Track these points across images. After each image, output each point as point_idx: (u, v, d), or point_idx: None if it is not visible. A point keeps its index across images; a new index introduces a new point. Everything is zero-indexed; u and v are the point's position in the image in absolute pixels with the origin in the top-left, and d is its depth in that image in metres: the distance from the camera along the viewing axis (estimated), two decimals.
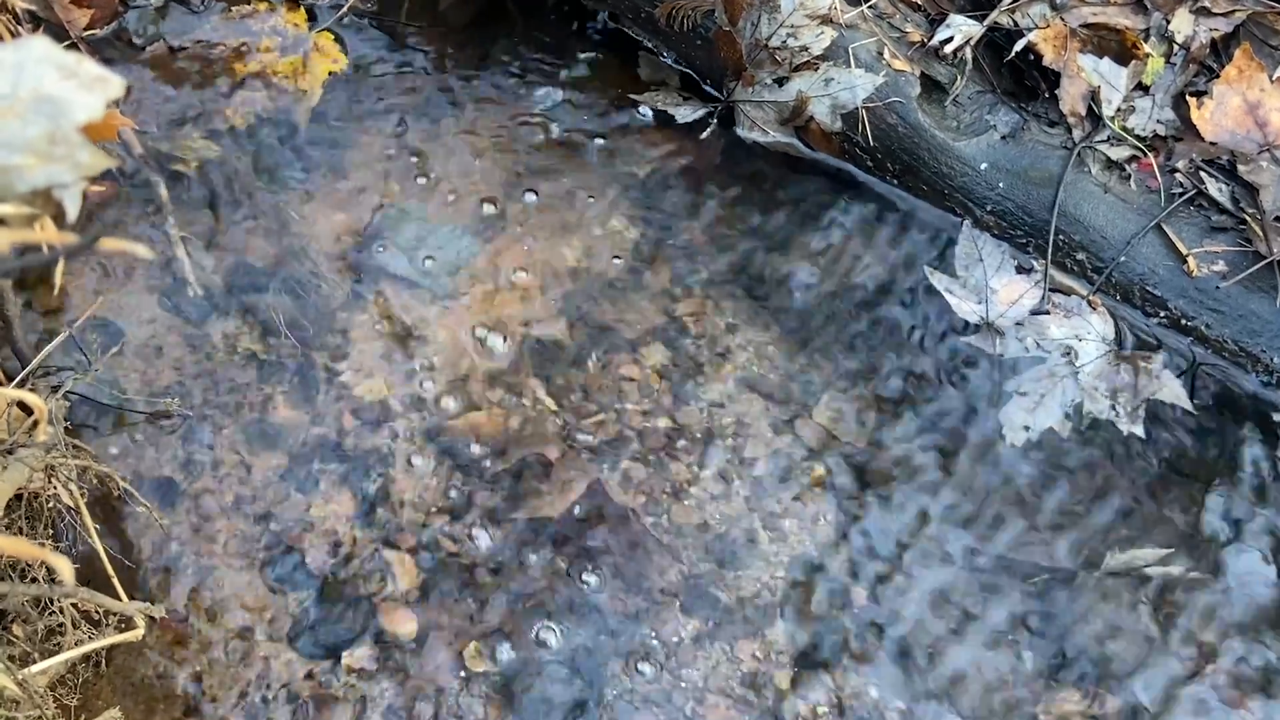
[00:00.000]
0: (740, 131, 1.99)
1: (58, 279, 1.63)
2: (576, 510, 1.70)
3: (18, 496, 1.39)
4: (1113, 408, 1.76)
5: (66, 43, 1.89)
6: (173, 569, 1.62)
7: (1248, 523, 1.73)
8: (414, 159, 1.97)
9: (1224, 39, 1.89)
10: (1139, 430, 1.75)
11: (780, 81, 1.92)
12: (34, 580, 1.29)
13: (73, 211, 0.67)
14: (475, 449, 1.74)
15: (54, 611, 1.34)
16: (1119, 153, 1.84)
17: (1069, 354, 1.80)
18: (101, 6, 1.96)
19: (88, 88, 0.67)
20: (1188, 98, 1.84)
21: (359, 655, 1.59)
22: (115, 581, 1.39)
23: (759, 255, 1.92)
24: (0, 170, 0.65)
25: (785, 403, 1.80)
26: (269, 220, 1.89)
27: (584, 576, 1.65)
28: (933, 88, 1.90)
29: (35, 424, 1.27)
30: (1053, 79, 1.87)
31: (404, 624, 1.62)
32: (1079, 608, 1.66)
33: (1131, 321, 1.84)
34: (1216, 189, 1.80)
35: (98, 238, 0.61)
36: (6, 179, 0.66)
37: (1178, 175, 1.82)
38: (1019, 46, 1.86)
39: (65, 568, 0.57)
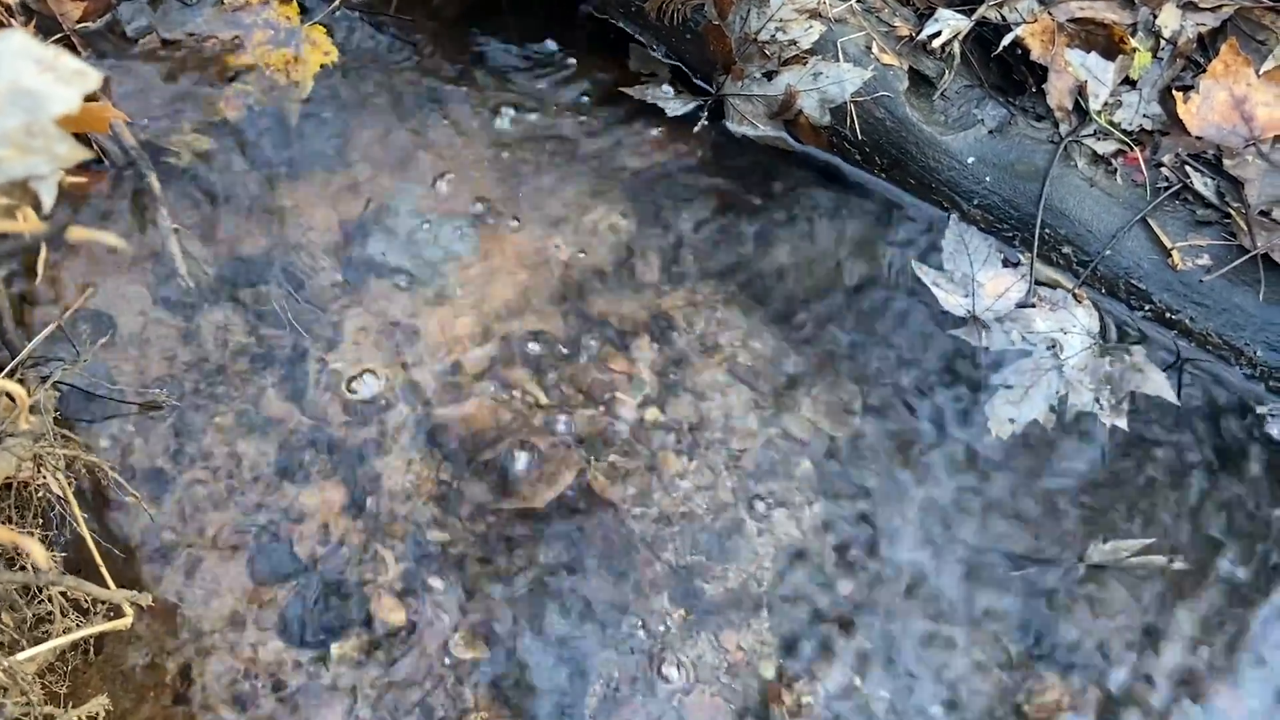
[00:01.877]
0: (730, 125, 2.00)
1: (40, 269, 1.64)
2: (564, 501, 1.71)
3: (7, 485, 1.40)
4: (1096, 400, 1.77)
5: (59, 35, 1.90)
6: (162, 558, 1.63)
7: (1230, 514, 1.74)
8: (405, 152, 1.98)
9: (1211, 34, 1.89)
10: (1122, 423, 1.76)
11: (769, 75, 1.92)
12: (22, 568, 1.30)
13: (48, 202, 0.68)
14: (465, 440, 1.75)
15: (43, 600, 1.35)
16: (1105, 147, 1.85)
17: (1054, 347, 1.81)
18: None
19: (65, 81, 0.68)
20: (1174, 92, 1.85)
21: (348, 645, 1.61)
22: (103, 570, 1.40)
23: (748, 248, 1.93)
24: None
25: (773, 395, 1.81)
26: (261, 212, 1.89)
27: (571, 568, 1.67)
28: (921, 82, 1.91)
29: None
30: (1040, 73, 1.88)
31: (393, 612, 1.63)
32: (1063, 598, 1.68)
33: (1117, 315, 1.85)
34: (1202, 183, 1.80)
35: (64, 227, 0.62)
36: None
37: (1163, 169, 1.83)
38: (1007, 41, 1.87)
39: (38, 552, 0.59)
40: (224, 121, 1.95)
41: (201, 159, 1.92)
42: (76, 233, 0.62)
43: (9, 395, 1.27)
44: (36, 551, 0.57)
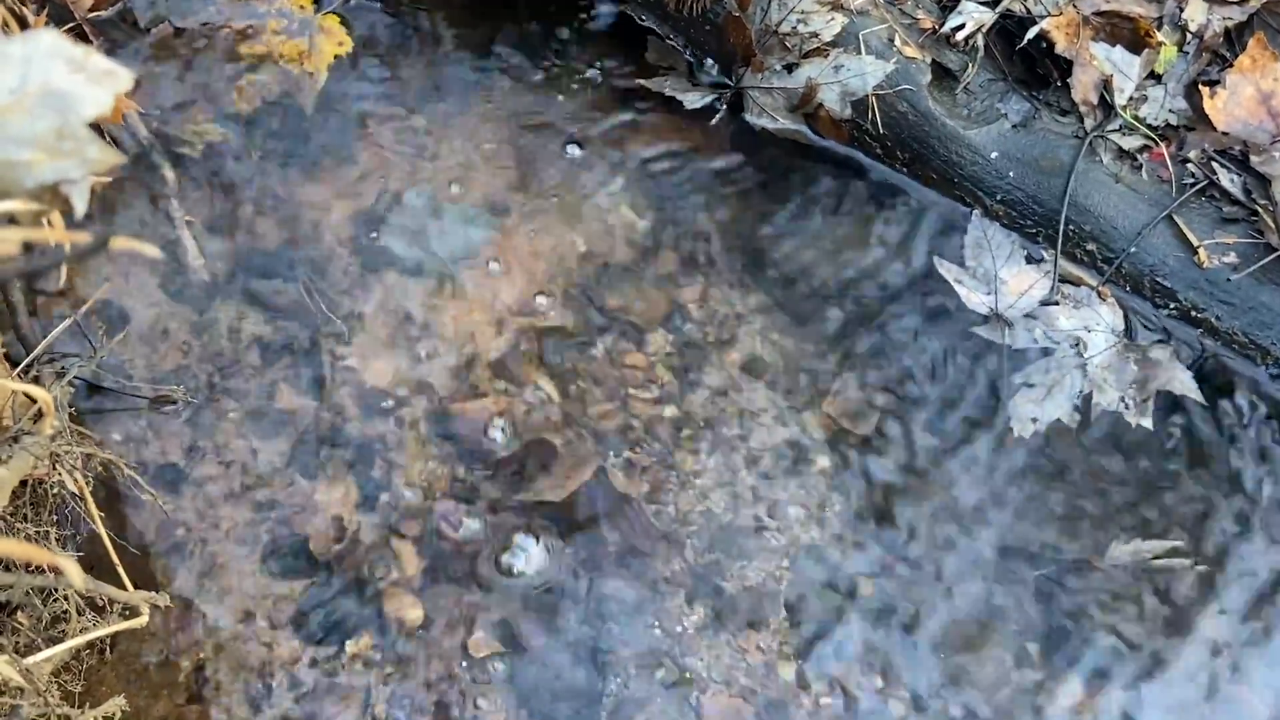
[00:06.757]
0: (749, 118, 1.98)
1: (63, 272, 1.62)
2: (580, 498, 1.70)
3: (22, 483, 1.38)
4: (1121, 399, 1.75)
5: (71, 24, 1.88)
6: (177, 555, 1.62)
7: (1255, 514, 1.72)
8: (420, 143, 1.96)
9: (1238, 28, 1.87)
10: (1147, 422, 1.74)
11: (790, 68, 1.90)
12: (40, 571, 1.29)
13: (80, 207, 0.66)
14: (480, 436, 1.73)
15: (59, 599, 1.33)
16: (1130, 142, 1.83)
17: (1078, 345, 1.79)
18: None
19: (96, 82, 0.66)
20: (1200, 87, 1.83)
21: (363, 642, 1.59)
22: (119, 568, 1.38)
23: (766, 242, 1.91)
24: (8, 165, 0.64)
25: (792, 392, 1.79)
26: (275, 204, 1.88)
27: (588, 565, 1.65)
28: (943, 75, 1.88)
29: (40, 413, 1.26)
30: (1065, 67, 1.86)
31: (409, 610, 1.62)
32: (1085, 598, 1.66)
33: (1141, 313, 1.83)
34: (1228, 180, 1.78)
35: (107, 239, 0.60)
36: (14, 174, 0.65)
37: (1189, 165, 1.81)
38: (1031, 34, 1.85)
39: (74, 572, 0.57)
40: (237, 112, 1.93)
41: (215, 150, 1.90)
42: (119, 243, 0.60)
43: (29, 397, 1.25)
44: (73, 573, 0.55)
